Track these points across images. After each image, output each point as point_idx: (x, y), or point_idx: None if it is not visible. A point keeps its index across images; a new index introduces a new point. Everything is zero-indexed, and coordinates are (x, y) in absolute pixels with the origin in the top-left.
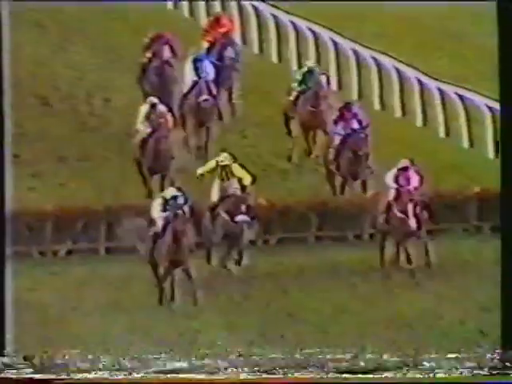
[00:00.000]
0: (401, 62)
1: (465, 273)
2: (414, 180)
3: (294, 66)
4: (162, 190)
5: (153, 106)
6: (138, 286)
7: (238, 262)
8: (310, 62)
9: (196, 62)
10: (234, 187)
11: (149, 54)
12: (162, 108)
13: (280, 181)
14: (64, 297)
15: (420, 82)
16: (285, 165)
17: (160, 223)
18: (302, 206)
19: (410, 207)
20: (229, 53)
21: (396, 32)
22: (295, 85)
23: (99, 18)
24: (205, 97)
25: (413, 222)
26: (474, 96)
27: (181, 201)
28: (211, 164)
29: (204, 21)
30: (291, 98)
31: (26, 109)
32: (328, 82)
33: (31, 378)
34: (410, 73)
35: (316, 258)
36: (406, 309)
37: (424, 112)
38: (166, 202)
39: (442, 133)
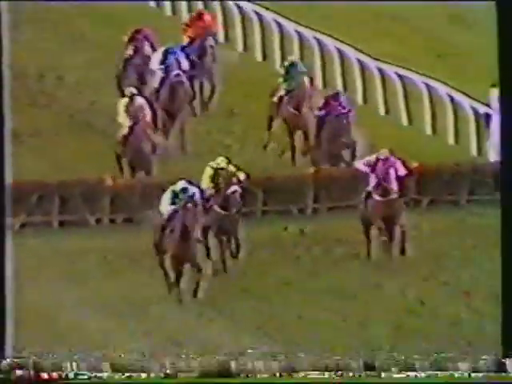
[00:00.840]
0: (342, 42)
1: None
2: (399, 169)
3: (240, 48)
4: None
5: (131, 97)
6: (90, 258)
7: (235, 256)
8: (293, 57)
9: (166, 53)
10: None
11: (130, 51)
12: (140, 100)
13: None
14: (18, 268)
15: (360, 61)
16: (230, 141)
17: (168, 216)
18: (248, 181)
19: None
20: (209, 42)
21: (342, 15)
22: (280, 80)
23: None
24: (176, 71)
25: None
26: (412, 75)
27: (190, 193)
28: (209, 172)
29: (185, 17)
30: (275, 99)
31: None
32: (311, 84)
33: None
34: (351, 53)
35: (262, 232)
36: (348, 280)
37: (364, 90)
38: (175, 195)
39: (381, 110)
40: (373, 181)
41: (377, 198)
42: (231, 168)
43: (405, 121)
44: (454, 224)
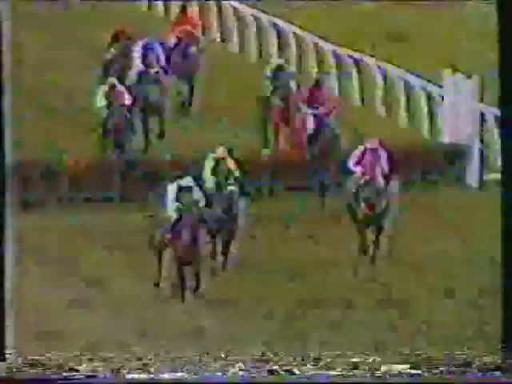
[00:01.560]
0: (299, 27)
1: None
2: (383, 159)
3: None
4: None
5: (112, 87)
6: (50, 238)
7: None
8: (279, 60)
9: (146, 48)
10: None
11: (114, 51)
12: (120, 88)
13: (182, 135)
14: None
15: (315, 44)
16: (187, 121)
17: (174, 214)
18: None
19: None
20: (192, 50)
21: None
22: (267, 83)
23: None
24: (156, 69)
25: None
26: (366, 57)
27: (196, 191)
28: (210, 162)
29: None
30: (263, 102)
31: None
32: (298, 89)
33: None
34: (307, 36)
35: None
36: (303, 258)
37: (319, 72)
38: (180, 190)
39: (335, 92)
40: (361, 178)
41: (365, 210)
42: (229, 161)
43: (358, 102)
44: (407, 203)
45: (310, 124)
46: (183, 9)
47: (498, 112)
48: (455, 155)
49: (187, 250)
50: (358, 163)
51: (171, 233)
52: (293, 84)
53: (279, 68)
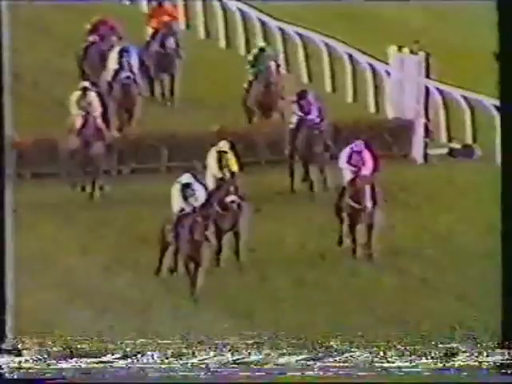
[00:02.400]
0: (244, 3)
1: (307, 200)
2: (369, 162)
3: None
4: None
5: (84, 90)
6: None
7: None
8: (261, 42)
9: (122, 53)
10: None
11: (92, 38)
12: (92, 96)
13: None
14: None
15: (261, 21)
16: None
17: (177, 211)
18: (153, 138)
19: (367, 190)
20: (170, 43)
21: None
22: (248, 67)
23: None
24: (127, 74)
25: (369, 204)
26: (312, 34)
27: (196, 188)
28: (214, 155)
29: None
30: (245, 86)
31: None
32: (277, 68)
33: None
34: (252, 13)
35: (167, 187)
36: (251, 234)
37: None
38: (183, 188)
39: (283, 69)
40: (348, 175)
41: (350, 203)
42: (230, 155)
43: (305, 79)
44: None
45: (293, 119)
46: (160, 3)
47: (442, 86)
48: (400, 130)
49: (190, 246)
50: (348, 162)
51: (175, 230)
52: (272, 64)
53: (261, 50)
